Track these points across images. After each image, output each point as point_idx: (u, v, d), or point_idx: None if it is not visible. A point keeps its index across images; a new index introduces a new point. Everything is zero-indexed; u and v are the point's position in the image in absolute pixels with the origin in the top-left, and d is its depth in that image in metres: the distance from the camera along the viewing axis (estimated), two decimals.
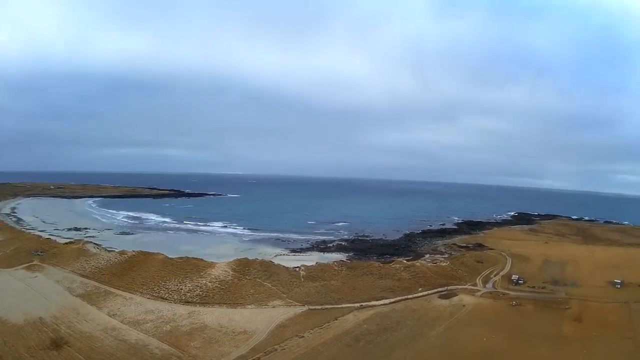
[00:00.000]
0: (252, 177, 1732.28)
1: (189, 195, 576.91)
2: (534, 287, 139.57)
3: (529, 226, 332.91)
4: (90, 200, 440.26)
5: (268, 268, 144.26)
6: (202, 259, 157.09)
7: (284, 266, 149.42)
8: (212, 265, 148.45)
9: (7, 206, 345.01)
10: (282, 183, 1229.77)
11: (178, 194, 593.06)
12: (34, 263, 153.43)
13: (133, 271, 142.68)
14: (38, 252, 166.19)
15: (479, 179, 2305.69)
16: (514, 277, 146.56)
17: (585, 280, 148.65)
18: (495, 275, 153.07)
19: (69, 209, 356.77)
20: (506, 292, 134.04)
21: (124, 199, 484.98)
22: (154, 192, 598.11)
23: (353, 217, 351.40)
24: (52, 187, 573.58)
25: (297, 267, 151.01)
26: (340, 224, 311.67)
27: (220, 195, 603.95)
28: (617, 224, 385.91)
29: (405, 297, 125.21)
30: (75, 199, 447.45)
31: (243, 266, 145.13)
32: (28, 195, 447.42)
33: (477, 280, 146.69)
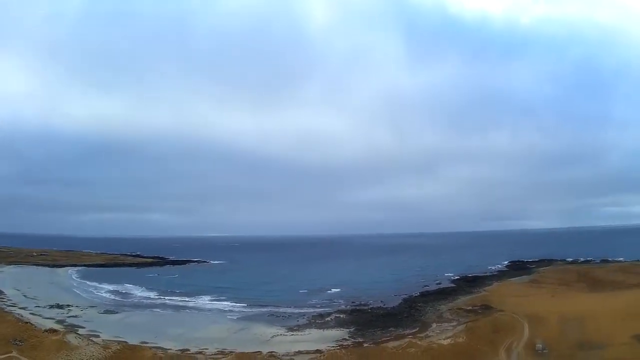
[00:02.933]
0: (234, 239, 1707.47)
1: (173, 262, 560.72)
2: (560, 355, 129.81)
3: (529, 277, 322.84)
4: (72, 270, 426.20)
5: None
6: (195, 357, 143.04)
7: None
8: None
9: None
10: (266, 245, 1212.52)
11: (162, 261, 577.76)
12: (12, 355, 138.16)
13: None
14: (17, 341, 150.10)
15: (465, 226, 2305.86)
16: (538, 346, 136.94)
17: (609, 339, 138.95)
18: (516, 346, 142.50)
19: (51, 280, 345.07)
20: None
21: (107, 268, 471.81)
22: (138, 260, 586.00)
23: (345, 282, 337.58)
24: (34, 253, 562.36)
25: None
26: (333, 291, 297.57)
27: (204, 262, 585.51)
28: (614, 261, 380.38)
29: None
30: (57, 268, 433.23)
31: None
32: (10, 263, 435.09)
33: (500, 354, 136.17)
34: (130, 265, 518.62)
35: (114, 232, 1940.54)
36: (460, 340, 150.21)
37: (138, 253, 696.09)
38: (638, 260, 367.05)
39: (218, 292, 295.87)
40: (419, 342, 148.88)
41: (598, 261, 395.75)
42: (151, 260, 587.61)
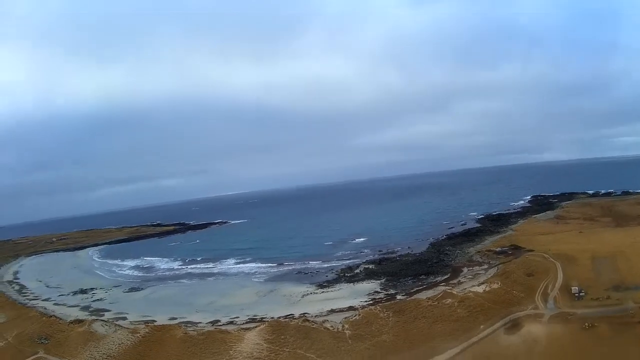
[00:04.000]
0: (252, 195, 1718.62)
1: (194, 227, 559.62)
2: (597, 298, 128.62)
3: (553, 212, 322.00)
4: (94, 250, 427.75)
5: (307, 334, 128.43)
6: (227, 331, 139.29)
7: (324, 327, 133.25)
8: (240, 337, 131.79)
9: (9, 271, 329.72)
10: (284, 198, 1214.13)
11: (183, 227, 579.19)
12: (39, 356, 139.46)
13: (149, 357, 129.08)
14: (42, 339, 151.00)
15: (481, 162, 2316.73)
16: (574, 289, 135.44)
17: None
18: (551, 290, 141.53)
19: (74, 264, 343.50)
20: (572, 310, 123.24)
21: (130, 242, 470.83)
22: (159, 229, 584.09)
23: (369, 229, 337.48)
24: (54, 239, 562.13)
25: (340, 322, 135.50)
26: (358, 240, 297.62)
27: (225, 222, 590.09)
28: (635, 193, 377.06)
29: (471, 341, 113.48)
30: (79, 251, 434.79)
31: (277, 334, 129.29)
32: (30, 254, 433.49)
33: (536, 299, 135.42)
34: (153, 235, 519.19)
35: (133, 203, 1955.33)
36: (495, 286, 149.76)
37: (158, 222, 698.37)
38: None
39: (242, 254, 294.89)
40: (454, 292, 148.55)
41: (619, 193, 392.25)
42: (173, 227, 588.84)
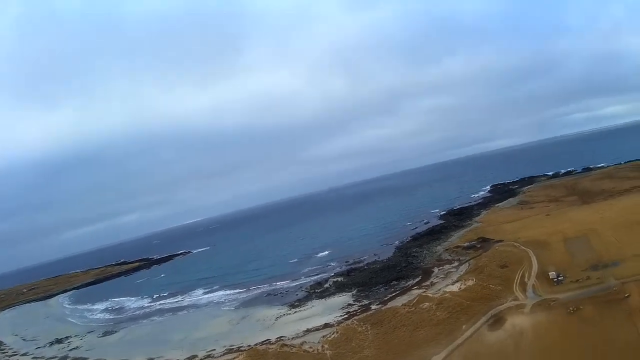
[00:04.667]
0: (213, 221, 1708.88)
1: (158, 261, 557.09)
2: (577, 280, 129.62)
3: (516, 198, 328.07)
4: (64, 297, 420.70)
5: (287, 359, 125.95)
6: None
7: (304, 349, 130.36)
8: None
9: None
10: (244, 219, 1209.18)
11: (147, 262, 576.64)
12: None
13: None
14: None
15: (437, 158, 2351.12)
16: (552, 274, 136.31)
17: (620, 253, 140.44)
18: (529, 278, 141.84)
19: (46, 314, 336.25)
20: (553, 296, 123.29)
21: (97, 285, 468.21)
22: (124, 267, 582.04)
23: (332, 241, 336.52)
24: (24, 290, 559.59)
25: (318, 342, 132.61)
26: (323, 253, 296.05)
27: (188, 252, 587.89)
28: (596, 168, 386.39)
29: (455, 343, 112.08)
30: (49, 299, 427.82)
31: None
32: (3, 308, 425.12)
33: (515, 290, 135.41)
34: (119, 275, 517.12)
35: (97, 243, 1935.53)
36: (470, 282, 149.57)
37: (123, 260, 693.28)
38: (620, 164, 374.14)
39: (209, 282, 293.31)
40: (430, 294, 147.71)
41: (580, 170, 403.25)
42: (137, 264, 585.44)
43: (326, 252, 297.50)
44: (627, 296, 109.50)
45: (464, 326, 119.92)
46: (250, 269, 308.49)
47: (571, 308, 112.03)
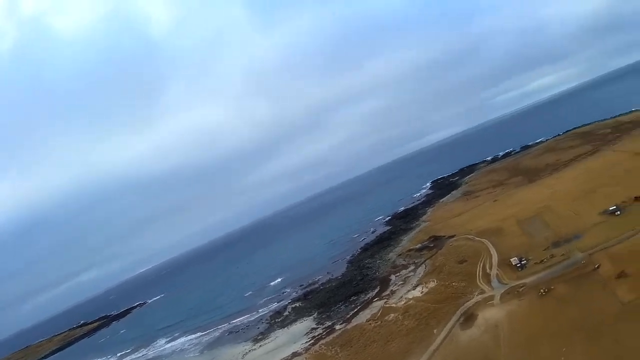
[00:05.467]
0: (163, 266, 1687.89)
1: (117, 317, 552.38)
2: (541, 261, 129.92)
3: (459, 190, 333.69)
4: None
5: None
6: None
7: None
8: None
9: None
10: (194, 259, 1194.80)
11: (107, 319, 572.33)
12: None
13: None
14: None
15: (375, 163, 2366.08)
16: (514, 260, 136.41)
17: (579, 225, 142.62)
18: (491, 269, 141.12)
19: None
20: (520, 282, 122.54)
21: (63, 350, 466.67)
22: (86, 328, 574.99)
23: (283, 267, 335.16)
24: None
25: None
26: (276, 281, 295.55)
27: (144, 303, 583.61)
28: (535, 144, 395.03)
29: (430, 350, 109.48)
30: None
31: None
32: None
33: (479, 283, 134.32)
34: (82, 337, 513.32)
35: (59, 307, 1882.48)
36: (432, 284, 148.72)
37: (82, 321, 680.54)
38: (559, 135, 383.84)
39: (169, 331, 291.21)
40: (393, 304, 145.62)
41: (519, 150, 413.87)
42: (97, 323, 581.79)
43: (279, 280, 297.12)
44: (598, 267, 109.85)
45: (435, 331, 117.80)
46: (208, 309, 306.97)
47: (542, 290, 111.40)
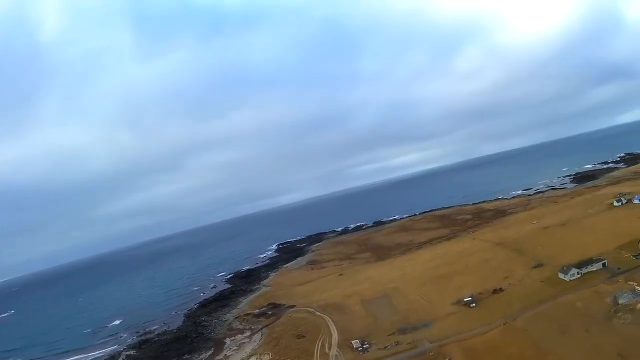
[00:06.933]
0: (13, 283, 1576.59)
1: None
2: (385, 347, 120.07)
3: (305, 257, 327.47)
4: None
5: None
6: None
7: None
8: None
9: None
10: (43, 281, 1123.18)
11: None
12: None
13: None
14: None
15: (225, 214, 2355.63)
16: (355, 343, 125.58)
17: (431, 313, 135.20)
18: (330, 349, 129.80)
19: None
20: None
21: None
22: None
23: (124, 309, 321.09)
24: None
25: None
26: (115, 323, 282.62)
27: None
28: (389, 221, 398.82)
29: None
30: None
31: None
32: None
33: None
34: None
35: None
36: (267, 357, 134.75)
37: None
38: (415, 215, 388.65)
39: (13, 355, 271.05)
40: None
41: (371, 224, 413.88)
42: None
43: (118, 322, 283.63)
44: None
45: None
46: (43, 342, 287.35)
47: None
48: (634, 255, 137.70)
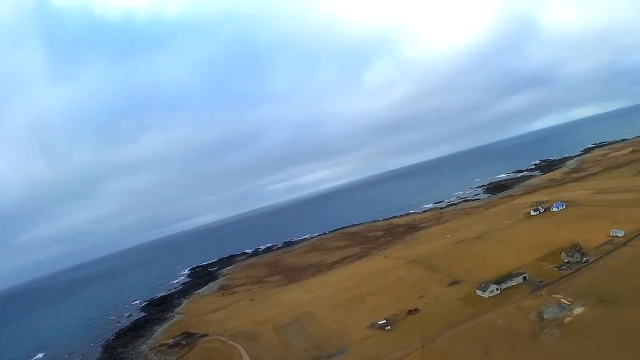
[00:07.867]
0: None
1: None
2: None
3: (216, 282, 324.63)
4: None
5: None
6: None
7: None
8: None
9: None
10: None
11: None
12: None
13: None
14: None
15: (140, 239, 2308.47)
16: None
17: (346, 338, 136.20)
18: None
19: None
20: None
21: None
22: None
23: (45, 341, 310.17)
24: None
25: None
26: (37, 357, 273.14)
27: None
28: (299, 241, 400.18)
29: None
30: None
31: None
32: None
33: None
34: None
35: None
36: None
37: None
38: (325, 233, 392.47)
39: None
40: None
41: (281, 245, 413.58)
42: None
43: (41, 355, 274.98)
44: None
45: None
46: None
47: None
48: (556, 267, 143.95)
